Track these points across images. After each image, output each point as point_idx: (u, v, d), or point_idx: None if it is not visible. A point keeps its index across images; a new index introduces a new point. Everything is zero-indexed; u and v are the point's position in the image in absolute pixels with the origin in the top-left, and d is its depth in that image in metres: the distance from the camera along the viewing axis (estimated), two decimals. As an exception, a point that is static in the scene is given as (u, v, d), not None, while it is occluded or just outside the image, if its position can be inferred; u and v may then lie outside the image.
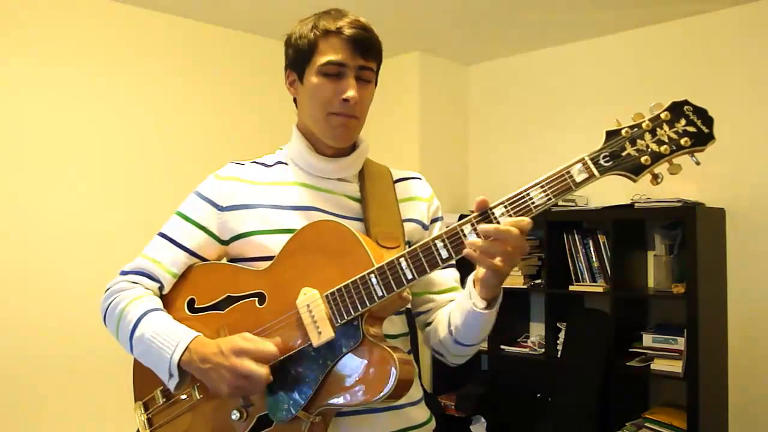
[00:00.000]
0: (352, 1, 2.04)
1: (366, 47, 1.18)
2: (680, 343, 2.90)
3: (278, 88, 1.28)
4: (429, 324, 1.29)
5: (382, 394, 1.03)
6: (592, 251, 3.26)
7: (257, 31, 3.46)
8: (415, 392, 1.23)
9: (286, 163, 1.27)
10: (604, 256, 3.22)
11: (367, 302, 1.06)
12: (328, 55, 1.17)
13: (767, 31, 3.01)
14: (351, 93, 1.16)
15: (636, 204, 3.02)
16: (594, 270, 3.27)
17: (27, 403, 2.68)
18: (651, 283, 3.26)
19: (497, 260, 1.01)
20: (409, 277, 1.05)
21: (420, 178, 1.36)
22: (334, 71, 1.17)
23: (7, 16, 2.69)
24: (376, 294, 1.06)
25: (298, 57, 1.21)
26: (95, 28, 2.94)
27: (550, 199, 1.00)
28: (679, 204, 2.89)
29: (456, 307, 1.19)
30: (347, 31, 1.16)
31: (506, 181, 3.85)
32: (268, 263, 1.17)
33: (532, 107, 3.82)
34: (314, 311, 1.09)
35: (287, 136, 1.30)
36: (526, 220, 1.00)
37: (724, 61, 3.12)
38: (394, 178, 1.32)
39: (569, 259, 3.34)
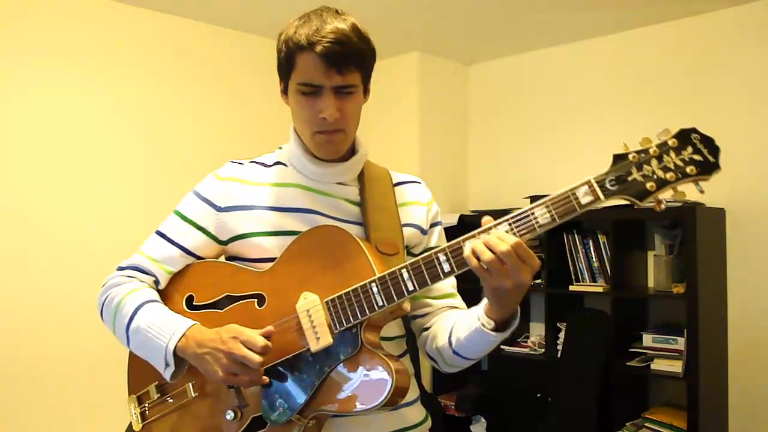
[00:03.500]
0: (352, 1, 2.04)
1: (342, 63, 1.11)
2: (680, 343, 2.90)
3: (276, 86, 1.25)
4: (426, 329, 1.29)
5: (376, 403, 1.04)
6: (592, 251, 3.26)
7: (254, 29, 3.46)
8: (411, 393, 1.23)
9: (285, 164, 1.27)
10: (604, 256, 3.22)
11: (367, 311, 1.07)
12: (303, 74, 1.13)
13: (766, 31, 3.01)
14: (328, 113, 1.13)
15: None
16: (594, 270, 3.27)
17: (26, 400, 2.68)
18: (651, 283, 3.26)
19: (489, 275, 1.00)
20: (410, 288, 1.06)
21: (419, 182, 1.36)
22: (310, 91, 1.14)
23: (5, 16, 2.69)
24: (377, 303, 1.07)
25: (280, 69, 1.19)
26: (94, 27, 2.94)
27: (554, 219, 1.00)
28: (679, 204, 2.88)
29: (461, 320, 1.18)
30: (319, 49, 1.09)
31: (506, 181, 3.89)
32: (266, 264, 1.17)
33: (532, 107, 3.81)
34: (314, 317, 1.10)
35: (284, 133, 1.29)
36: (514, 239, 0.99)
37: (724, 61, 3.12)
38: (394, 182, 1.31)
39: (569, 259, 3.34)
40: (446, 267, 1.04)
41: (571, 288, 3.30)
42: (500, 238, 0.99)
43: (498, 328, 1.10)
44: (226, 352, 1.06)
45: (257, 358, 1.06)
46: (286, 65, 1.17)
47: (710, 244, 2.98)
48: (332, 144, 1.19)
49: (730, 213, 3.09)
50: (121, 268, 1.24)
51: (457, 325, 1.18)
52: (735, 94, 3.07)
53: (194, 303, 1.21)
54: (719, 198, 3.06)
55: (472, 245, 1.01)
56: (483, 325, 1.10)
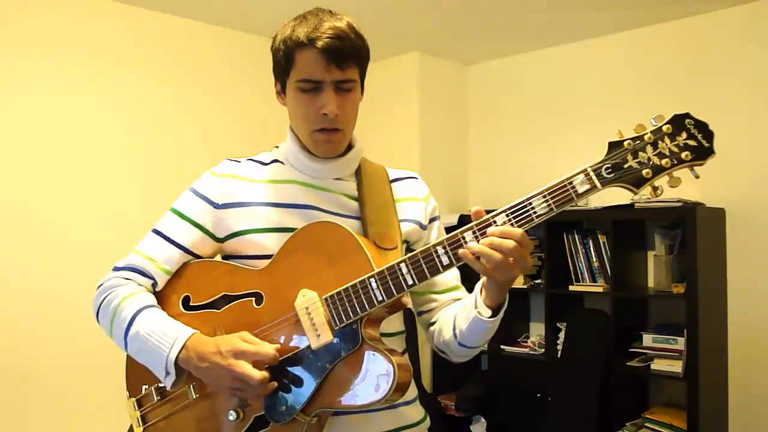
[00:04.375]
0: (352, 1, 2.04)
1: (342, 58, 1.13)
2: (680, 343, 2.90)
3: (272, 85, 1.25)
4: (432, 323, 1.30)
5: (379, 397, 1.03)
6: (592, 251, 3.26)
7: (251, 29, 3.46)
8: (410, 392, 1.23)
9: (282, 162, 1.26)
10: (604, 256, 3.22)
11: (366, 306, 1.07)
12: (303, 71, 1.14)
13: (766, 31, 3.01)
14: (329, 108, 1.14)
15: (636, 204, 3.02)
16: (594, 270, 3.27)
17: (26, 401, 2.68)
18: (651, 283, 3.26)
19: (492, 269, 1.02)
20: (410, 282, 1.05)
21: (416, 178, 1.36)
22: (310, 87, 1.15)
23: (5, 16, 2.69)
24: (376, 298, 1.06)
25: (278, 68, 1.20)
26: (94, 27, 2.94)
27: (552, 209, 1.01)
28: (679, 204, 2.89)
29: (461, 311, 1.19)
30: (319, 44, 1.11)
31: (506, 181, 3.89)
32: (263, 262, 1.17)
33: (532, 107, 3.81)
34: (313, 314, 1.09)
35: (281, 132, 1.29)
36: (517, 232, 1.00)
37: (724, 60, 3.12)
38: (391, 178, 1.31)
39: (569, 259, 3.34)
40: (445, 260, 1.05)
41: (571, 288, 3.30)
42: (504, 234, 1.00)
43: (494, 312, 1.12)
44: (228, 369, 1.05)
45: (259, 376, 1.05)
46: (284, 64, 1.17)
47: (710, 244, 2.98)
48: (331, 143, 1.20)
49: (730, 213, 3.08)
50: (117, 269, 1.22)
51: (459, 316, 1.20)
52: (735, 94, 3.07)
53: (191, 303, 1.20)
54: (719, 198, 3.06)
55: (477, 250, 1.01)
56: (479, 314, 1.12)
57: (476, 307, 1.13)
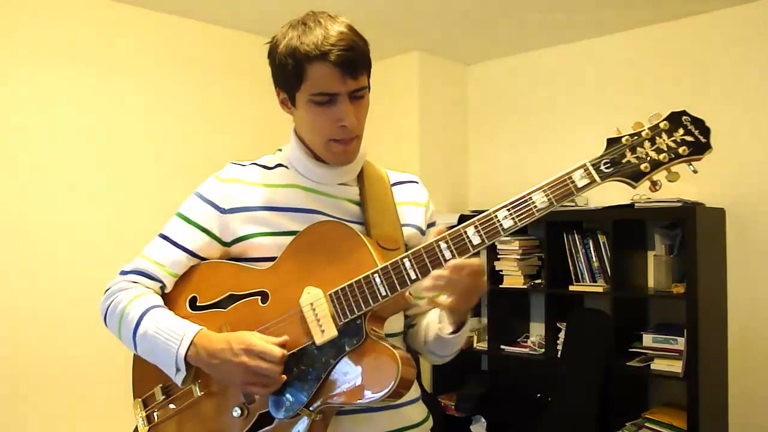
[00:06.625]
0: (354, 1, 2.04)
1: (355, 68, 1.12)
2: (680, 343, 2.90)
3: (273, 85, 1.24)
4: (412, 326, 1.33)
5: (384, 392, 1.03)
6: (592, 251, 3.26)
7: (252, 29, 3.46)
8: (413, 391, 1.24)
9: (286, 166, 1.26)
10: (604, 256, 3.22)
11: (370, 301, 1.07)
12: (317, 85, 1.12)
13: (766, 31, 3.01)
14: (348, 121, 1.14)
15: (636, 204, 3.03)
16: (594, 270, 3.27)
17: (30, 401, 2.68)
18: (651, 283, 3.26)
19: (445, 298, 1.07)
20: (413, 277, 1.06)
21: (417, 182, 1.37)
22: (325, 100, 1.13)
23: (6, 16, 2.69)
24: (380, 293, 1.07)
25: (285, 79, 1.16)
26: (94, 27, 2.94)
27: (552, 203, 1.03)
28: (679, 204, 2.89)
29: (432, 323, 1.24)
30: (332, 57, 1.09)
31: (506, 181, 3.89)
32: (268, 264, 1.18)
33: (532, 107, 3.82)
34: (317, 310, 1.10)
35: (282, 134, 1.29)
36: (472, 264, 1.04)
37: (723, 60, 3.12)
38: (392, 181, 1.32)
39: (569, 259, 3.34)
40: (448, 255, 1.05)
41: (571, 288, 3.30)
42: (451, 267, 1.05)
43: (457, 328, 1.18)
44: (241, 365, 1.06)
45: (276, 369, 1.06)
46: (294, 77, 1.13)
47: (710, 244, 2.99)
48: (348, 152, 1.20)
49: (730, 213, 3.09)
50: (124, 273, 1.23)
51: (429, 326, 1.25)
52: (735, 94, 3.08)
53: (198, 304, 1.21)
54: (719, 198, 3.06)
55: (430, 285, 1.06)
56: (440, 330, 1.19)
57: (439, 323, 1.17)
